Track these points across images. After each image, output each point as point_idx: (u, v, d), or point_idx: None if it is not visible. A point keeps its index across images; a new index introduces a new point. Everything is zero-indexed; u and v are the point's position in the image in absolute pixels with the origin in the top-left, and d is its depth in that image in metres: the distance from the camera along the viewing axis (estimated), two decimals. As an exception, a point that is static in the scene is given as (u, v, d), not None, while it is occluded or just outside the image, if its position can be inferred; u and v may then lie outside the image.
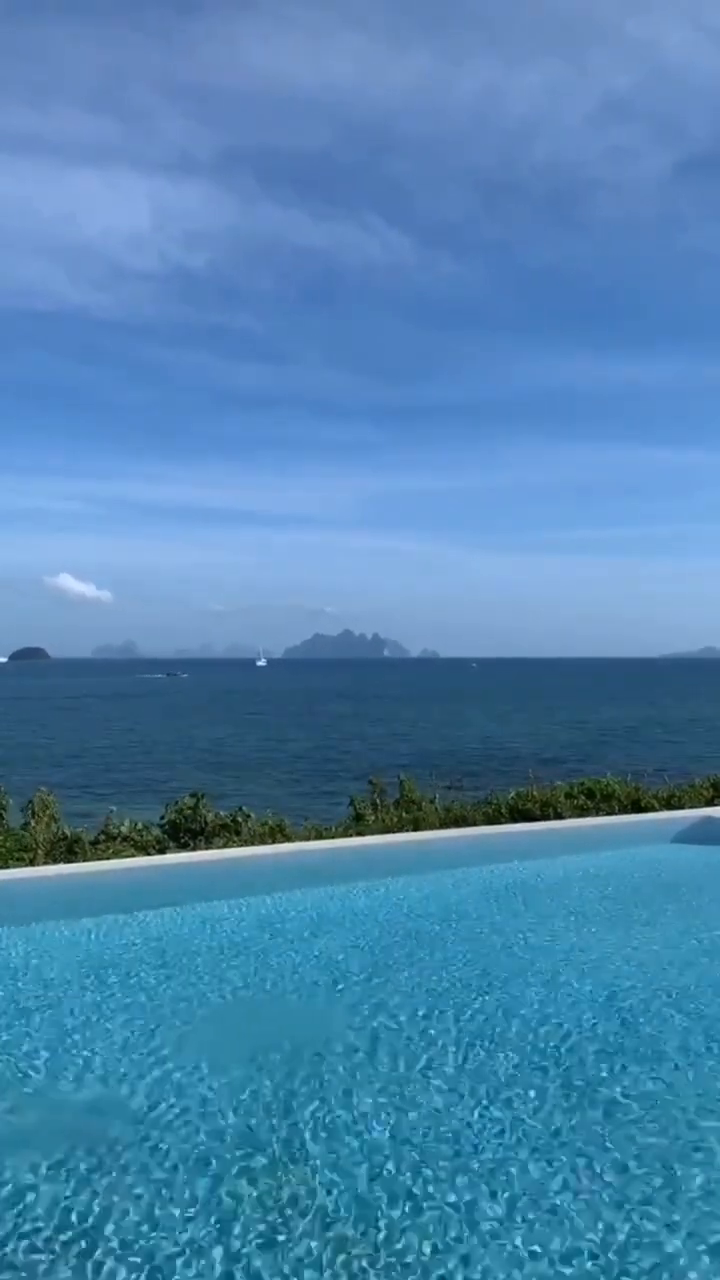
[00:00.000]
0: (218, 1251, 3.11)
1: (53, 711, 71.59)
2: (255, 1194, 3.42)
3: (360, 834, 10.19)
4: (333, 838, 9.89)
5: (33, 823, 9.59)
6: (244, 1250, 3.11)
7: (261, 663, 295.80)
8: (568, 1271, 3.00)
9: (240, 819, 10.31)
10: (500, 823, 10.71)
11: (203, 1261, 3.07)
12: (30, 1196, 3.42)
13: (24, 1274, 3.00)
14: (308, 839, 9.85)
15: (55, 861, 8.93)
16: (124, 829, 9.80)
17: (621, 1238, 3.16)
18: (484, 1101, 4.12)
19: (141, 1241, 3.16)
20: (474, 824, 10.72)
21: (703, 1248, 3.11)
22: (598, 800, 11.37)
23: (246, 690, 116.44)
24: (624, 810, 11.16)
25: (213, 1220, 3.27)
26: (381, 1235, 3.18)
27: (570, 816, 10.84)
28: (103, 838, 9.62)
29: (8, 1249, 3.12)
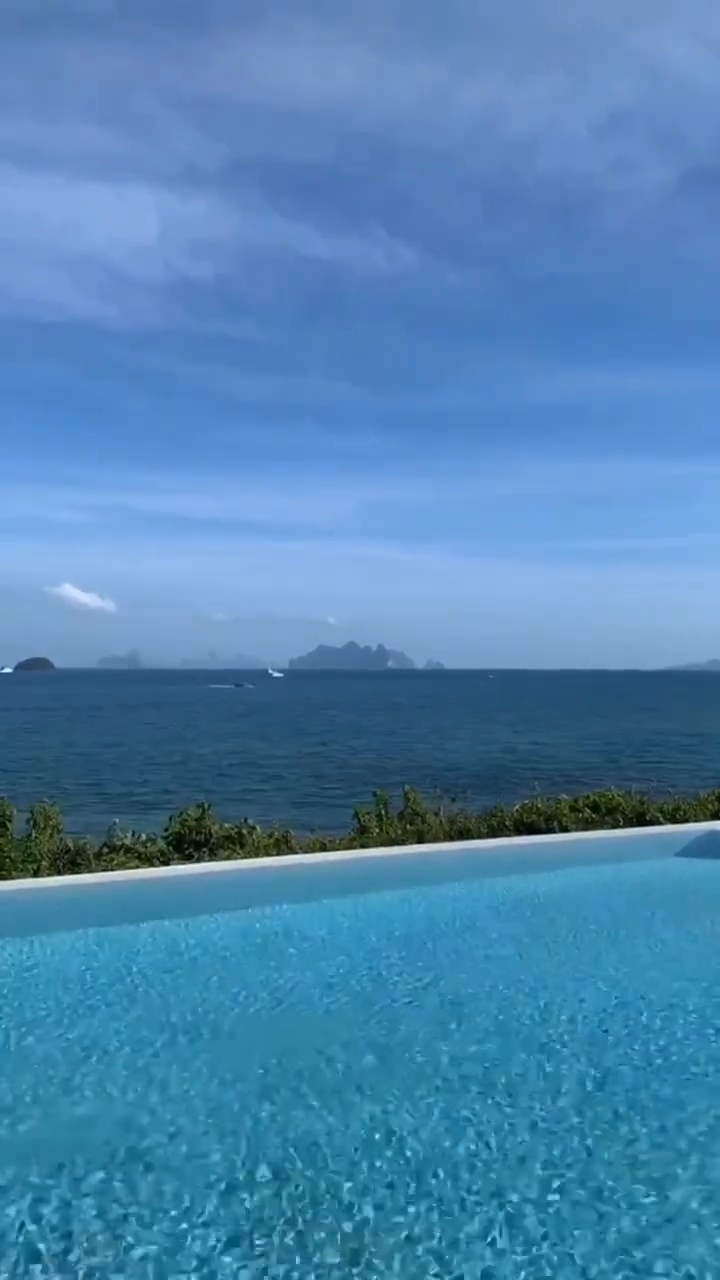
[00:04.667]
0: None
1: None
2: (256, 1213, 3.41)
3: (364, 846, 10.17)
4: (337, 850, 9.87)
5: (35, 833, 9.59)
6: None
7: (277, 674, 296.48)
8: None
9: (245, 831, 10.30)
10: (504, 835, 10.68)
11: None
12: (35, 1207, 3.42)
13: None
14: (312, 851, 9.84)
15: (59, 872, 8.93)
16: (128, 840, 9.80)
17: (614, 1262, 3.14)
18: (485, 1114, 4.10)
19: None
20: (478, 836, 10.70)
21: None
22: (602, 813, 11.33)
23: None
24: (629, 824, 11.12)
25: (214, 1238, 3.27)
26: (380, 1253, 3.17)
27: (575, 830, 10.81)
28: (106, 849, 9.62)
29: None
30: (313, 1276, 3.04)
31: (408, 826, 10.96)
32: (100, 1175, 3.64)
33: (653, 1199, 3.46)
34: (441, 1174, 3.64)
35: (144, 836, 10.02)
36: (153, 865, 9.23)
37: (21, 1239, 3.25)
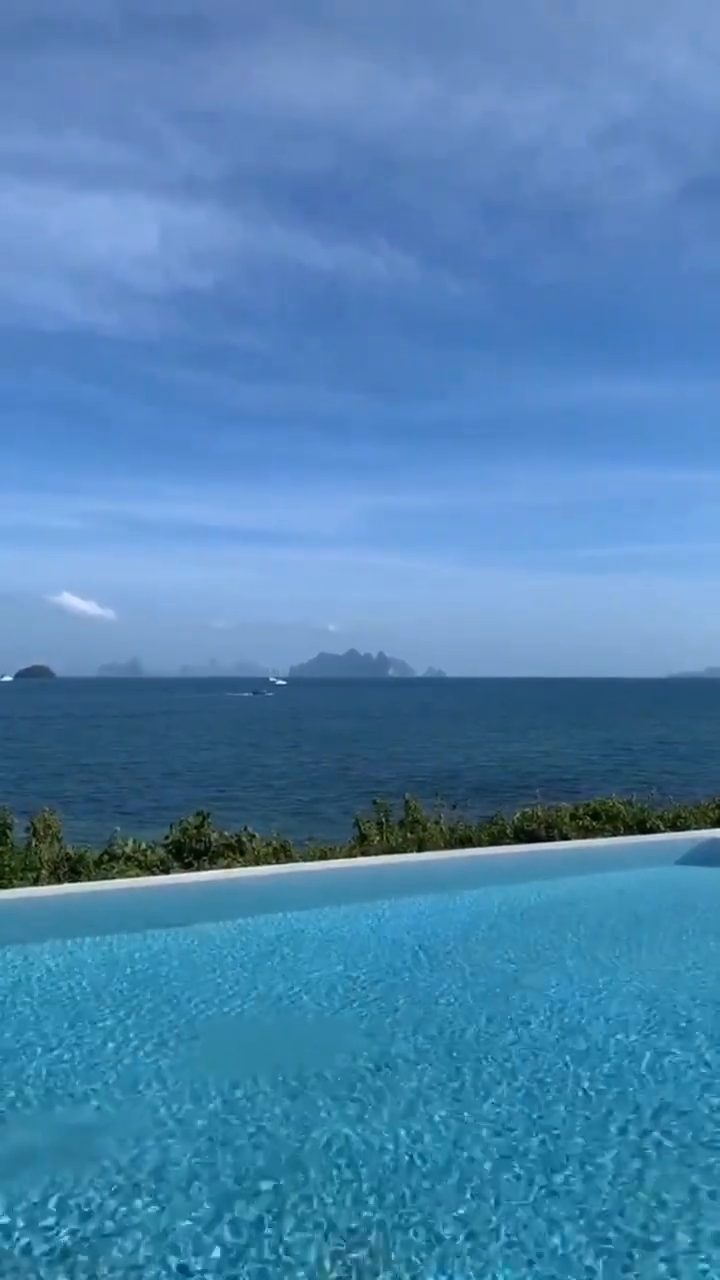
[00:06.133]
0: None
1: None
2: (261, 1219, 3.40)
3: (365, 854, 10.16)
4: (337, 858, 9.87)
5: (36, 842, 9.58)
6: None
7: (282, 681, 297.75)
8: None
9: (245, 839, 10.29)
10: (505, 843, 10.67)
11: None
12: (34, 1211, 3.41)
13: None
14: (312, 859, 9.83)
15: (59, 881, 8.92)
16: (128, 849, 9.78)
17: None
18: (484, 1126, 4.09)
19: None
20: (479, 844, 10.68)
21: None
22: (603, 821, 11.32)
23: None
24: (629, 831, 11.11)
25: (213, 1247, 3.26)
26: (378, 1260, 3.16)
27: (575, 837, 10.80)
28: (106, 858, 9.61)
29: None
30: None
31: (408, 834, 10.94)
32: (99, 1183, 3.64)
33: (651, 1204, 3.46)
34: (442, 1180, 3.63)
35: (144, 845, 10.01)
36: (153, 873, 9.22)
37: (28, 1245, 3.25)
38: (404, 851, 10.22)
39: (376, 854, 10.10)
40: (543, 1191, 3.56)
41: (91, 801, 28.52)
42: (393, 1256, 3.16)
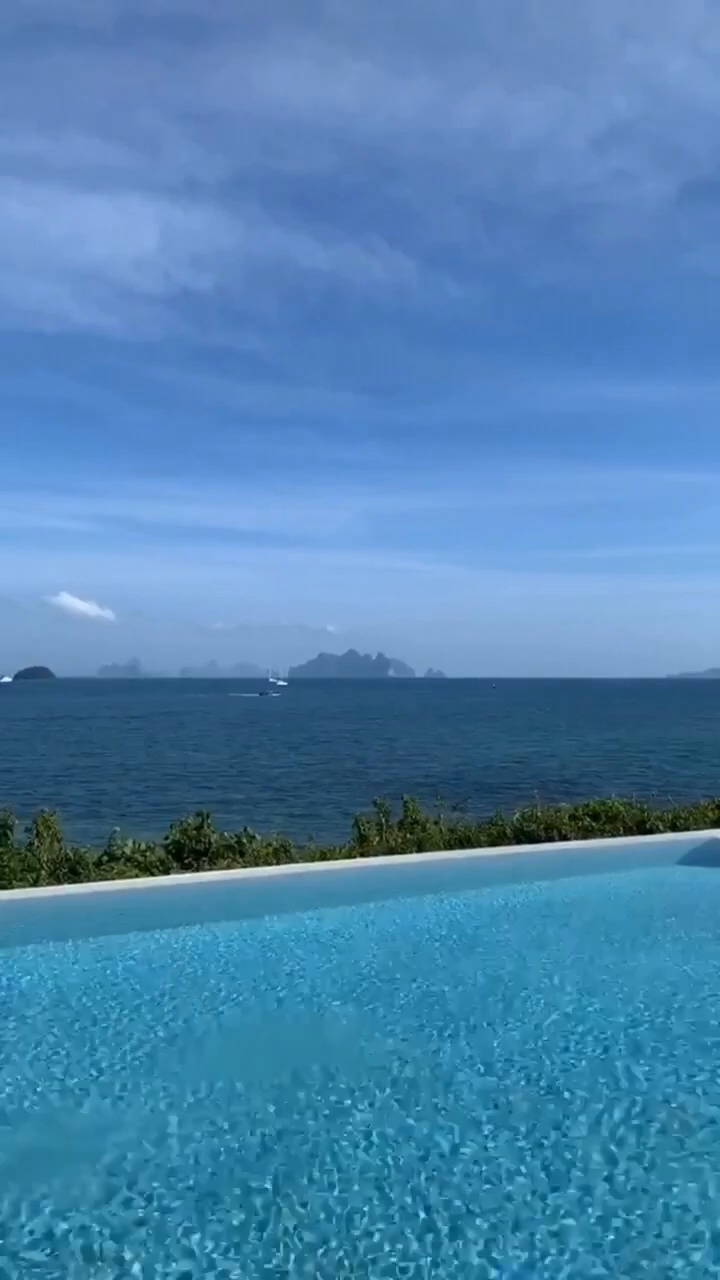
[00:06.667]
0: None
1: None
2: (255, 1219, 3.40)
3: (364, 855, 10.15)
4: (337, 859, 9.86)
5: (36, 843, 9.57)
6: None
7: (283, 682, 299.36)
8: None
9: (244, 839, 10.27)
10: (505, 844, 10.67)
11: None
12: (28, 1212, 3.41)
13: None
14: (312, 860, 9.82)
15: (59, 882, 8.91)
16: (127, 849, 9.77)
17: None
18: (482, 1126, 4.09)
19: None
20: (478, 845, 10.67)
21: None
22: (602, 822, 11.32)
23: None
24: (629, 832, 11.10)
25: (213, 1246, 3.25)
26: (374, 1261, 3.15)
27: (574, 838, 10.79)
28: (105, 858, 9.60)
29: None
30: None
31: (407, 835, 10.93)
32: (98, 1183, 3.63)
33: (653, 1205, 3.45)
34: (440, 1184, 3.63)
35: (144, 845, 10.00)
36: (152, 874, 9.21)
37: (28, 1244, 3.25)
38: (403, 852, 10.21)
39: (376, 855, 10.09)
40: (539, 1191, 3.56)
41: (91, 802, 28.49)
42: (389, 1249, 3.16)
